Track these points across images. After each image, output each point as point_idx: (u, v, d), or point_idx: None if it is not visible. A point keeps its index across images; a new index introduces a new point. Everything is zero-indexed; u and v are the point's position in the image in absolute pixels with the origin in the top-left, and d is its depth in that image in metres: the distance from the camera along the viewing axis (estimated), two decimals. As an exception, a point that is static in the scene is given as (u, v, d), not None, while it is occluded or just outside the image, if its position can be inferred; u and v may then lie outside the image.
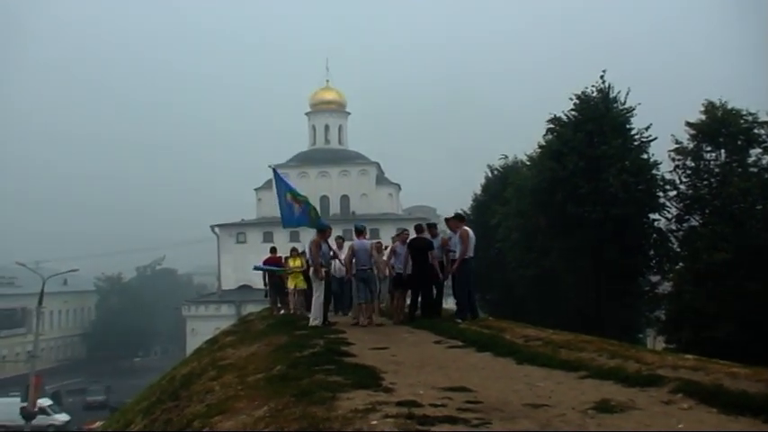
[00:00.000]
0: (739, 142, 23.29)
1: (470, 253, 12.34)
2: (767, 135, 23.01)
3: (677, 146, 24.14)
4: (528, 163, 30.66)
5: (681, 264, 24.82)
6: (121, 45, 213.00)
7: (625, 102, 25.13)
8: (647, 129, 24.92)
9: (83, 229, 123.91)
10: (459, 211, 13.22)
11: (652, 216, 25.20)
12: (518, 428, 4.23)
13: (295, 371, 6.83)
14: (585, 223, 23.60)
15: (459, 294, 12.57)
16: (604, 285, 24.69)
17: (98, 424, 33.12)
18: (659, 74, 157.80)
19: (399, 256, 13.34)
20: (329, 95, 72.73)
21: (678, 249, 24.96)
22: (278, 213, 14.30)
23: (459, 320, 12.00)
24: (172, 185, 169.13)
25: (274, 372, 7.11)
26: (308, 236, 15.75)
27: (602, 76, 25.38)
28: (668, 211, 24.86)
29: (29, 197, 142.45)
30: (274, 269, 16.94)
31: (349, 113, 74.69)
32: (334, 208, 66.10)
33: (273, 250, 18.05)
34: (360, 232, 13.43)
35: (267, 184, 55.97)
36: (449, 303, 14.13)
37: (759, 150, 23.26)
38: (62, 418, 45.15)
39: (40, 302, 38.89)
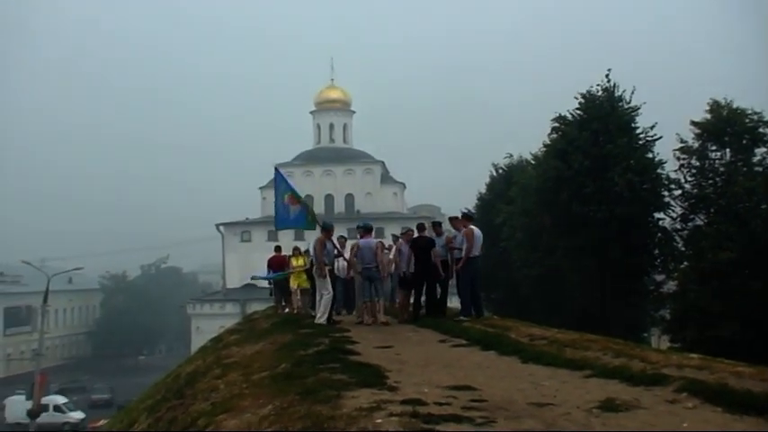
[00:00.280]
0: (744, 141, 23.27)
1: (476, 252, 12.30)
2: (772, 134, 23.00)
3: (682, 145, 24.08)
4: (533, 162, 30.64)
5: (686, 263, 24.81)
6: (125, 43, 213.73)
7: (630, 100, 25.14)
8: (652, 128, 24.90)
9: (87, 228, 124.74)
10: (466, 210, 13.12)
11: (657, 215, 25.15)
12: (523, 427, 4.22)
13: (300, 369, 6.83)
14: (590, 222, 23.59)
15: (463, 293, 12.56)
16: (609, 284, 24.66)
17: (102, 422, 33.22)
18: (662, 72, 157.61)
19: (404, 255, 13.35)
20: (334, 94, 72.78)
21: (683, 248, 24.94)
22: (282, 212, 14.33)
23: (464, 319, 12.00)
24: (177, 184, 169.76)
25: (279, 370, 7.12)
26: (311, 235, 15.76)
27: (607, 75, 25.39)
28: (673, 211, 24.84)
29: (32, 196, 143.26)
30: (271, 277, 16.88)
31: (354, 112, 74.73)
32: (339, 207, 66.19)
33: (278, 249, 18.03)
34: (367, 231, 13.41)
35: (272, 183, 55.15)
36: (454, 302, 14.12)
37: (764, 149, 23.27)
38: (77, 415, 45.10)
39: (45, 301, 38.94)
